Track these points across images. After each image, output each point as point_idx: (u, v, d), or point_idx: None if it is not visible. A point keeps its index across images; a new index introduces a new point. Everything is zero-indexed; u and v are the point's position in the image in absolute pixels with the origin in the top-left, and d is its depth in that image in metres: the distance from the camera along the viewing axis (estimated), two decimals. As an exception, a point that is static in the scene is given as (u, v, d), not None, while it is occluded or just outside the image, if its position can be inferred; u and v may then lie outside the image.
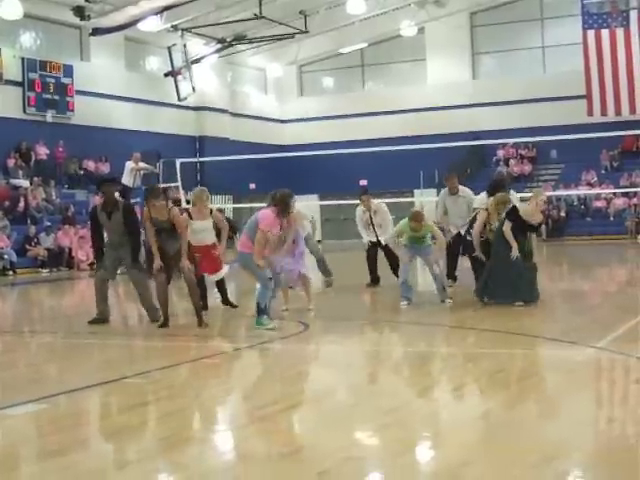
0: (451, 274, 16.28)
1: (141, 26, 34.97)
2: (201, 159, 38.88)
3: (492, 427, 6.48)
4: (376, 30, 43.71)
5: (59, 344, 11.56)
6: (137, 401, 7.69)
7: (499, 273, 13.01)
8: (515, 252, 12.79)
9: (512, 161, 43.60)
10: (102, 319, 12.58)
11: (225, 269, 13.74)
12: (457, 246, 15.82)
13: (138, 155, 27.21)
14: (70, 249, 28.97)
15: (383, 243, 17.08)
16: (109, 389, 8.21)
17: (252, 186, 39.87)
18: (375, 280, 17.56)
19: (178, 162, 27.28)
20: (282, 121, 48.95)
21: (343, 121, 46.29)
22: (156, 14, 34.19)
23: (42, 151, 33.77)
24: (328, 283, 17.61)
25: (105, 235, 12.99)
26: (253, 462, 5.70)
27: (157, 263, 11.81)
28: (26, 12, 32.39)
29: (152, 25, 35.33)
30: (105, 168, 35.57)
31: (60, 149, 34.45)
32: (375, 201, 17.65)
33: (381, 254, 17.36)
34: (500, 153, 44.05)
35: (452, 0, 42.20)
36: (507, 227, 12.94)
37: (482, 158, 43.53)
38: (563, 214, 39.32)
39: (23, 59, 33.97)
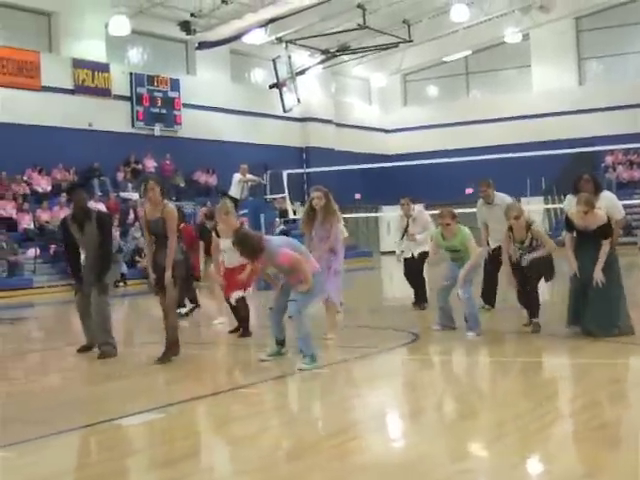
0: (488, 298, 14.17)
1: (246, 39, 35.38)
2: (308, 170, 39.05)
3: (613, 438, 6.32)
4: (480, 37, 43.40)
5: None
6: (250, 411, 7.74)
7: (572, 297, 11.00)
8: (572, 269, 10.84)
9: (620, 167, 42.75)
10: (89, 347, 11.12)
11: (239, 293, 12.14)
12: (495, 263, 13.33)
13: (246, 167, 27.39)
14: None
15: (414, 256, 15.05)
16: (220, 400, 8.29)
17: (357, 196, 39.88)
18: (421, 299, 15.30)
19: (285, 173, 27.44)
20: (386, 131, 48.95)
21: (448, 129, 46.06)
22: (261, 27, 34.54)
23: (150, 164, 34.37)
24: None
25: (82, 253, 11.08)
26: (365, 471, 5.67)
27: (152, 277, 10.39)
28: (134, 28, 33.13)
29: (257, 38, 35.72)
30: (212, 180, 36.09)
31: (167, 162, 35.02)
32: (417, 207, 15.93)
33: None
34: (609, 159, 43.22)
35: (557, 5, 41.68)
36: (565, 238, 11.06)
37: (590, 165, 42.72)
38: (675, 222, 38.38)
39: (131, 74, 34.68)
